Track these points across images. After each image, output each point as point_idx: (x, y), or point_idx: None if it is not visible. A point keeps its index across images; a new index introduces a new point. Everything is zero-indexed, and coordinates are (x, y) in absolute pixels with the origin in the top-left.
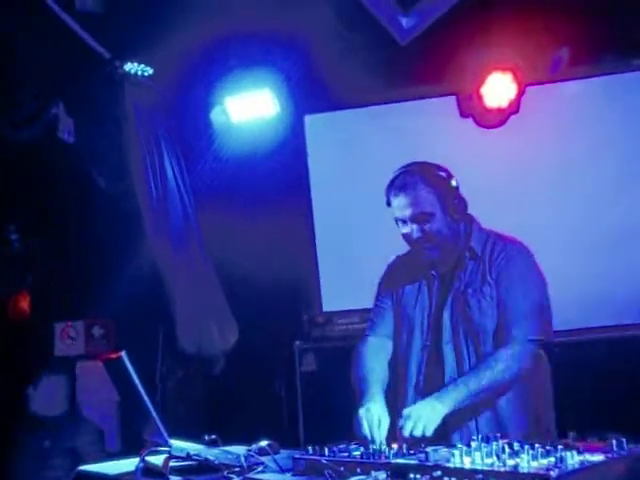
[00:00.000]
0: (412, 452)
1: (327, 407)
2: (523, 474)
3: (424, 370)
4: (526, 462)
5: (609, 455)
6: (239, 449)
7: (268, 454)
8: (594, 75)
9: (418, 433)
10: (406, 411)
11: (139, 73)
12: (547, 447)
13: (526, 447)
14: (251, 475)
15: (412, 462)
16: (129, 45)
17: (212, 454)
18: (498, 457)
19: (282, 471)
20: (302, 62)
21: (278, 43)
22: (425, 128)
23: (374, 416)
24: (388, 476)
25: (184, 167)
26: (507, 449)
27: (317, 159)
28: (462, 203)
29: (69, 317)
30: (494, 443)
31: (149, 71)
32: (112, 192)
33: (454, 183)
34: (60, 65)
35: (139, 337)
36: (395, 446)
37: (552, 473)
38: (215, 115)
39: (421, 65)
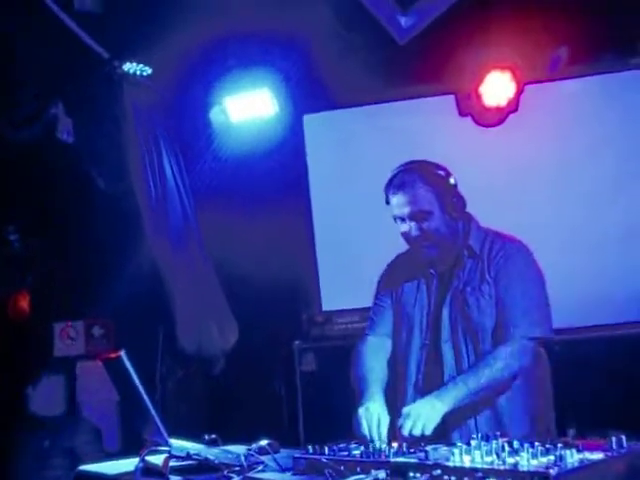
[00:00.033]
0: (412, 451)
1: (327, 406)
2: (523, 472)
3: (423, 369)
4: (526, 460)
5: (609, 453)
6: (239, 448)
7: (268, 453)
8: (592, 74)
9: (417, 432)
10: (405, 410)
11: (138, 73)
12: (547, 445)
13: (526, 445)
14: (251, 474)
15: (412, 461)
16: (128, 45)
17: (212, 453)
18: (498, 455)
19: (282, 470)
20: (301, 62)
21: (277, 43)
22: (424, 127)
23: (373, 415)
24: (388, 475)
25: (183, 167)
26: (507, 447)
27: (316, 158)
28: (461, 201)
29: (69, 317)
30: (494, 441)
31: (148, 71)
32: (112, 192)
33: (452, 181)
34: (59, 65)
35: (139, 337)
36: (395, 445)
37: (552, 471)
38: (214, 115)
39: (420, 64)
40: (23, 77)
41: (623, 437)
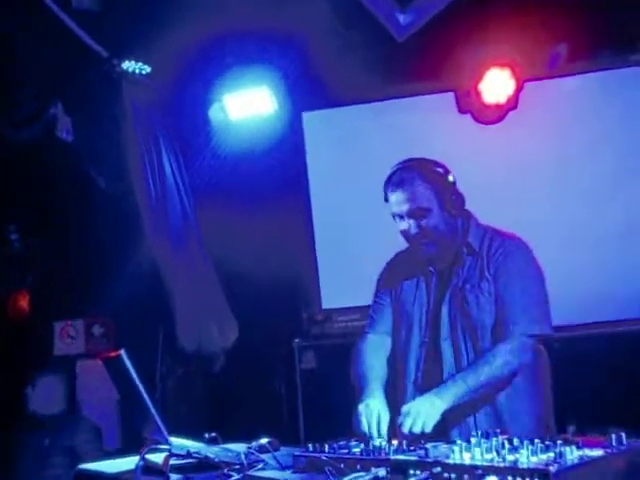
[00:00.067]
0: (412, 448)
1: (327, 404)
2: (522, 469)
3: (423, 366)
4: (525, 457)
5: (608, 450)
6: (239, 447)
7: (268, 451)
8: (591, 71)
9: (417, 429)
10: (405, 407)
11: (137, 71)
12: (546, 442)
13: (525, 442)
14: (251, 472)
15: (412, 458)
16: (126, 43)
17: (212, 452)
18: (498, 453)
19: (282, 468)
20: (300, 59)
21: (276, 40)
22: (423, 124)
23: (373, 412)
24: (388, 472)
25: (182, 164)
26: (507, 445)
27: (315, 156)
28: (459, 199)
29: (69, 316)
30: (493, 439)
31: (147, 69)
32: (112, 192)
33: (451, 179)
34: (58, 64)
35: (139, 336)
36: (395, 442)
37: (551, 468)
38: (213, 113)
39: (419, 62)
40: (23, 77)
41: (623, 434)
